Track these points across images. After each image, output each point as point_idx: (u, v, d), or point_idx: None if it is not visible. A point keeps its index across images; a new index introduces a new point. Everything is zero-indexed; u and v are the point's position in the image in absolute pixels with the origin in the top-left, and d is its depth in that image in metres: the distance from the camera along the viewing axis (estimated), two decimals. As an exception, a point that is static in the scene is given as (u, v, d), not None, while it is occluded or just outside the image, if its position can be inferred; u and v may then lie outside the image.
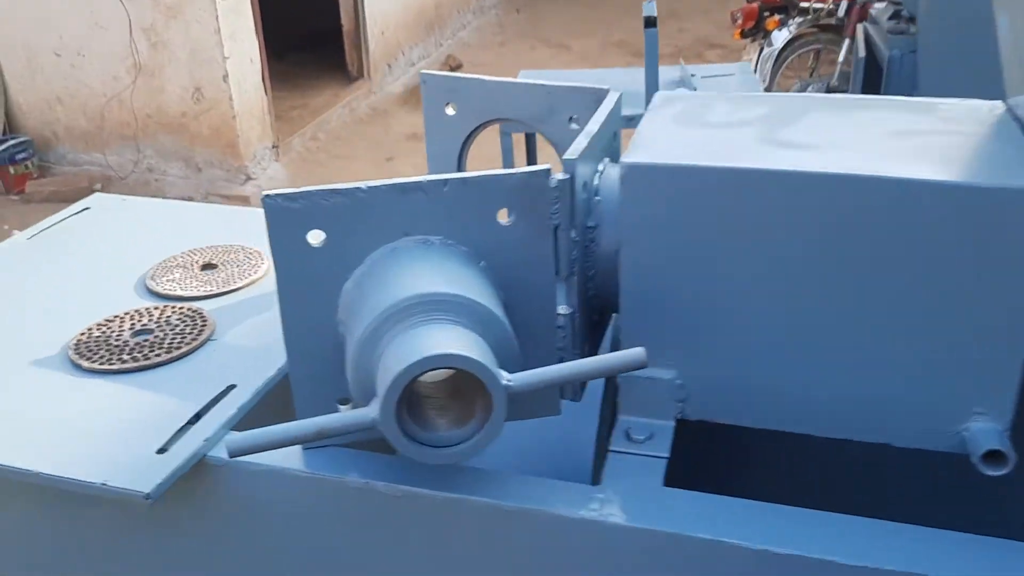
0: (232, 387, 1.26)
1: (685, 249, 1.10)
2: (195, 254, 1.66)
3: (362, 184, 1.05)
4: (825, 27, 5.95)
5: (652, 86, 2.47)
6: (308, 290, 1.08)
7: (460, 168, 1.60)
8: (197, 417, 1.20)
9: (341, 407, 1.15)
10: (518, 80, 1.49)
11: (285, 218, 1.05)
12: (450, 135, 1.58)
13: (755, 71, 5.81)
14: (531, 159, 1.46)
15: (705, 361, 1.15)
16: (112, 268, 1.64)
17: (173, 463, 1.11)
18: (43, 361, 1.35)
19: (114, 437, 1.18)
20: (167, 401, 1.25)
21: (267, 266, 1.60)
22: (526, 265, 1.11)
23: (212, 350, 1.37)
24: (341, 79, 7.69)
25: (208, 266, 1.62)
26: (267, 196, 1.03)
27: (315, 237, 1.06)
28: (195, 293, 1.53)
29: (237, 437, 0.96)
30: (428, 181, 1.06)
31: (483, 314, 0.98)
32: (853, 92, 3.38)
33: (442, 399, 0.99)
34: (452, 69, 8.86)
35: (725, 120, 1.23)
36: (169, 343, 1.37)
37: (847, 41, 5.86)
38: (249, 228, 1.78)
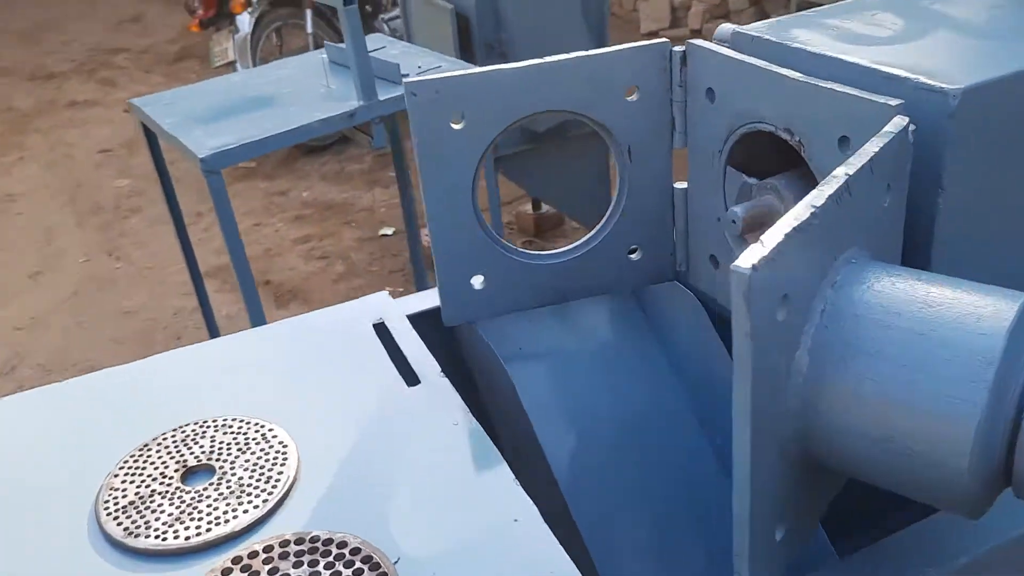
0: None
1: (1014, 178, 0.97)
2: (151, 455, 0.98)
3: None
4: (281, 2, 5.73)
5: (364, 66, 2.12)
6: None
7: (474, 201, 1.18)
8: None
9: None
10: (547, 60, 1.14)
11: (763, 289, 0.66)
12: (459, 158, 1.15)
13: (236, 61, 5.42)
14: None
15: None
16: (45, 507, 0.90)
17: None
18: None
19: None
20: None
21: (292, 448, 1.00)
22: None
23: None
24: None
25: (192, 472, 0.98)
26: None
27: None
28: (227, 529, 0.89)
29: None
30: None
31: None
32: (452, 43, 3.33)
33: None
34: None
35: (889, 32, 1.08)
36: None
37: (308, 11, 5.75)
38: (178, 395, 1.10)
